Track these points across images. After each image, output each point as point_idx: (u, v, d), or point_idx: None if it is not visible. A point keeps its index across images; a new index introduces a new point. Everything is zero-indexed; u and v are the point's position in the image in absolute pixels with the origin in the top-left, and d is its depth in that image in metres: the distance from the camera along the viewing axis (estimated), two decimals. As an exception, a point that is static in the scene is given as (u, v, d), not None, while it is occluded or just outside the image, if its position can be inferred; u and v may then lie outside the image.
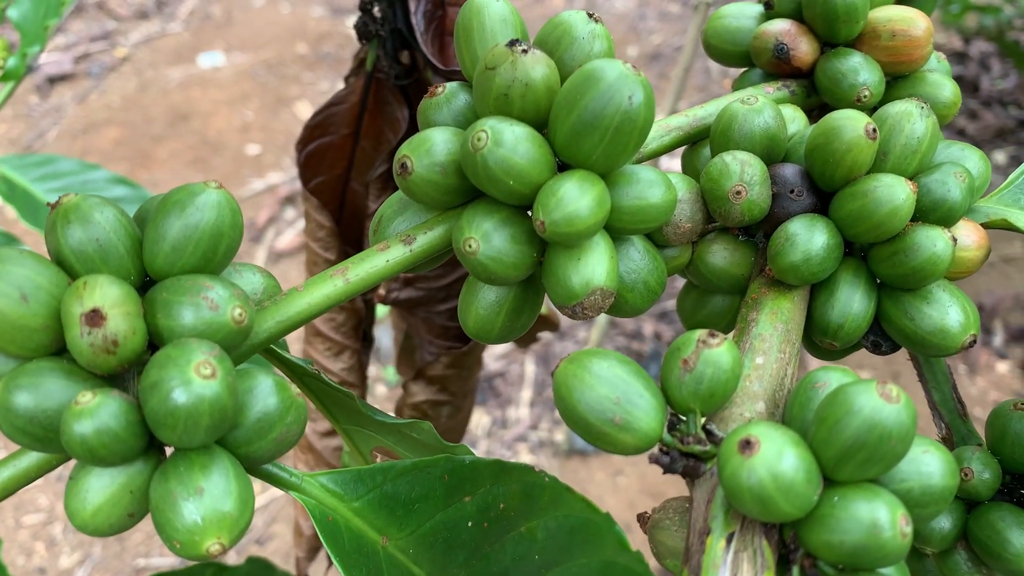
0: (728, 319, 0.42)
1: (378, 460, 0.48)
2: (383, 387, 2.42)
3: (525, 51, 0.33)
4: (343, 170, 0.66)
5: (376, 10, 0.60)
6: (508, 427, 2.40)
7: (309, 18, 3.71)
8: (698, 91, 3.18)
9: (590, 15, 0.36)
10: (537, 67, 0.33)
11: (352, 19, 3.71)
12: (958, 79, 3.34)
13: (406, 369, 0.77)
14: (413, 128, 0.63)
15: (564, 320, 2.47)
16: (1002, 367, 2.49)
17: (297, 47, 3.56)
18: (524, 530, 0.44)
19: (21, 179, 0.96)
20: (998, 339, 2.54)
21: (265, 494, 2.18)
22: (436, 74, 0.57)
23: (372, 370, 2.45)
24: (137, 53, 3.61)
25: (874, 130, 0.35)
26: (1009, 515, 0.41)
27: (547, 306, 0.84)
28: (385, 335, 2.39)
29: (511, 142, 0.33)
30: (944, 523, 0.42)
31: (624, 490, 2.22)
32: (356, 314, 0.66)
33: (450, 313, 0.63)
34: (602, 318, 2.16)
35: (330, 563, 0.71)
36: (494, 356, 2.47)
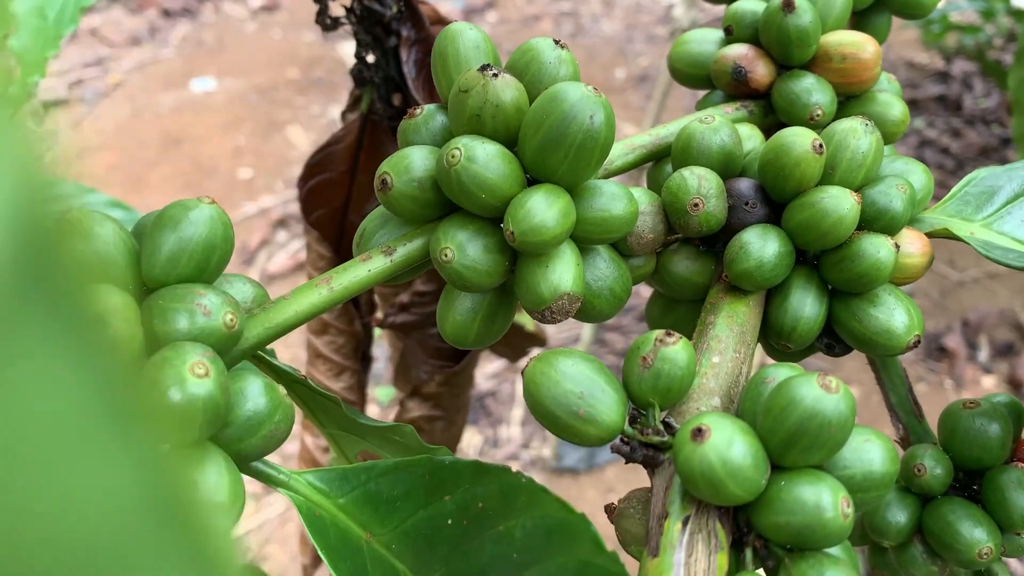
0: (692, 325, 0.45)
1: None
2: (375, 407, 2.44)
3: (496, 75, 0.36)
4: (341, 203, 0.70)
5: (370, 58, 0.64)
6: (500, 446, 2.42)
7: (300, 43, 3.76)
8: (684, 112, 3.23)
9: (556, 42, 0.39)
10: (507, 90, 0.36)
11: (343, 45, 3.76)
12: (941, 98, 3.40)
13: (403, 385, 0.80)
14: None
15: (553, 338, 2.50)
16: (988, 382, 2.52)
17: (288, 72, 3.60)
18: (502, 529, 0.46)
19: (18, 203, 0.98)
20: (983, 354, 2.57)
21: (258, 515, 2.19)
22: None
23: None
24: (130, 79, 3.65)
25: (821, 146, 0.38)
26: (960, 508, 0.43)
27: (536, 325, 0.87)
28: (379, 356, 2.41)
29: (483, 158, 0.35)
30: (900, 517, 0.44)
31: (615, 508, 2.23)
32: (355, 337, 0.69)
33: (442, 336, 0.66)
34: (587, 336, 2.19)
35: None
36: (485, 375, 2.49)
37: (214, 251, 0.35)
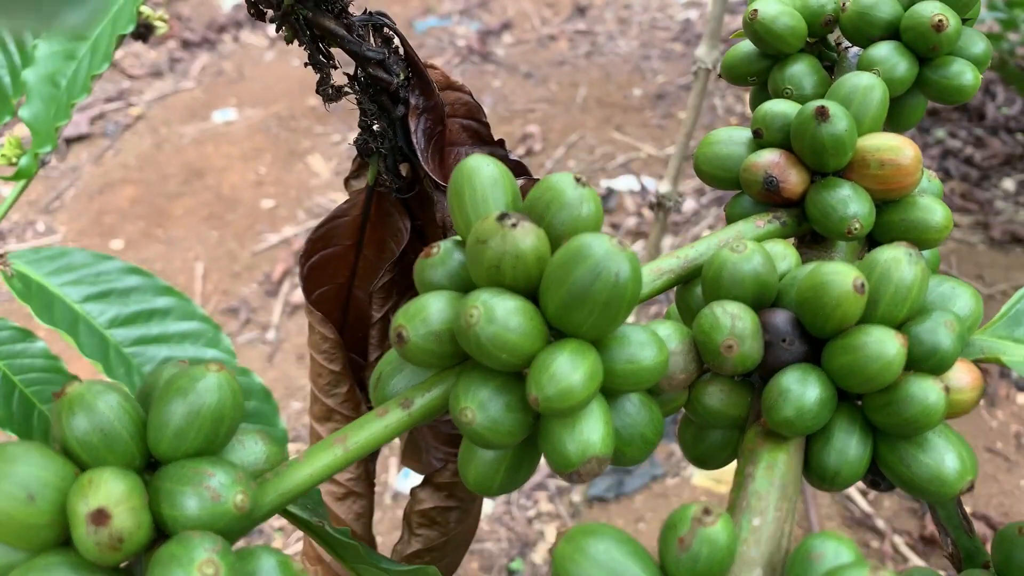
0: (727, 452, 0.43)
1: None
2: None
3: (514, 225, 0.34)
4: (346, 279, 0.67)
5: (376, 127, 0.61)
6: (527, 476, 2.39)
7: (318, 70, 3.76)
8: (705, 129, 3.20)
9: (578, 179, 0.37)
10: (526, 239, 0.34)
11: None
12: (963, 107, 3.34)
13: (412, 463, 0.77)
14: (415, 238, 0.64)
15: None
16: (1022, 399, 2.47)
17: (308, 100, 3.61)
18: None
19: (35, 274, 0.97)
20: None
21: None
22: (436, 189, 0.58)
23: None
24: (151, 111, 3.67)
25: (863, 285, 0.36)
26: (1019, 645, 0.41)
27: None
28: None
29: (503, 317, 0.33)
30: (955, 653, 0.42)
31: (645, 536, 2.21)
32: (363, 423, 0.67)
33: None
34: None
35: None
36: (510, 406, 2.47)
37: (223, 422, 0.33)
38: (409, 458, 0.77)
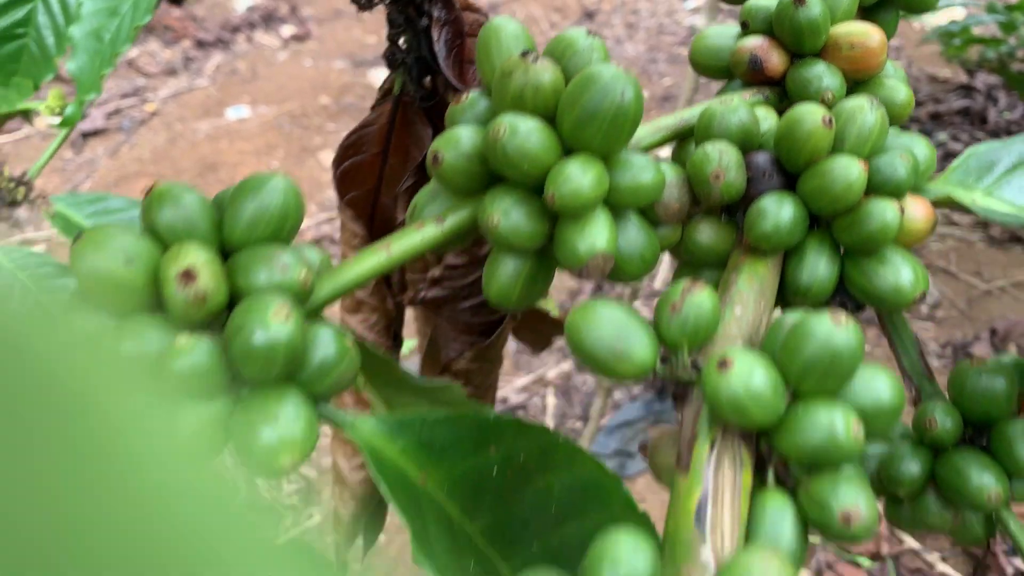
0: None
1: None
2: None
3: (535, 60, 0.41)
4: (373, 186, 0.73)
5: (402, 41, 0.68)
6: (530, 460, 2.44)
7: (331, 71, 3.85)
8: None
9: (588, 32, 0.43)
10: (545, 72, 0.41)
11: (373, 72, 3.85)
12: (965, 111, 3.41)
13: (431, 370, 0.83)
14: (437, 146, 0.70)
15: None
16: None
17: (320, 99, 3.69)
18: (542, 484, 0.50)
19: (76, 215, 1.04)
20: (1013, 365, 2.56)
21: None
22: (456, 95, 0.65)
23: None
24: (166, 108, 3.76)
25: (830, 120, 0.42)
26: (970, 456, 0.46)
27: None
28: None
29: (525, 132, 0.40)
30: (913, 468, 0.48)
31: (646, 521, 2.25)
32: (387, 315, 0.73)
33: (473, 309, 0.69)
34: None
35: (367, 550, 0.76)
36: (515, 389, 2.52)
37: (288, 218, 0.40)
38: (428, 366, 0.83)
